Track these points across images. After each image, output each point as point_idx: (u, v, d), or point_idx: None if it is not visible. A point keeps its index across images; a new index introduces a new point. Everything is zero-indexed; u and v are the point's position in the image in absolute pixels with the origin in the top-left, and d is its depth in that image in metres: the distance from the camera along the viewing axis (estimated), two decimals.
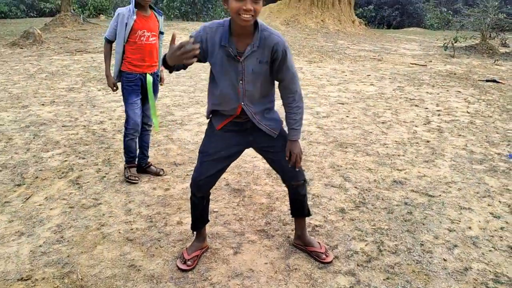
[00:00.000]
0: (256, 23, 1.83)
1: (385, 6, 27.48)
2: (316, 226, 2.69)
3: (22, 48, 10.26)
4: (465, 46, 12.50)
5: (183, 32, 12.65)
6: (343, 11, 16.92)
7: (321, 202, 3.01)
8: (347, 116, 5.21)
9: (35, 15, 26.92)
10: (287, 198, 2.41)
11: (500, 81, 7.98)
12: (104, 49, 3.17)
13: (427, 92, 6.77)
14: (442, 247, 2.49)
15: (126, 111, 3.16)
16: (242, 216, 2.78)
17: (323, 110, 5.48)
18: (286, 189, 2.35)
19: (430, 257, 2.39)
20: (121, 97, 3.19)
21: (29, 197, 2.98)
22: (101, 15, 22.96)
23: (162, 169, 3.42)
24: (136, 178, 3.24)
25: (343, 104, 5.83)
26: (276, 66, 1.91)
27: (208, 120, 2.18)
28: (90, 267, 2.21)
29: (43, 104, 5.40)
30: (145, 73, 3.11)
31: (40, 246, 2.40)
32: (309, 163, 3.70)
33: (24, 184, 3.18)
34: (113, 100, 5.57)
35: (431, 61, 10.33)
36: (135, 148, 3.29)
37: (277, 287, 2.09)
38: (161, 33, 3.23)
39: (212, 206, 2.78)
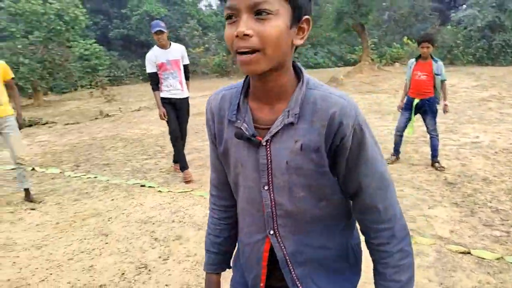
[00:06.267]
0: (298, 75, 0.95)
1: None
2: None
3: None
4: None
5: (467, 76, 13.35)
6: None
7: None
8: None
9: (341, 65, 32.34)
10: None
11: None
12: None
13: None
14: None
15: None
16: None
17: None
18: None
19: None
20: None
21: None
22: (396, 63, 25.57)
23: None
24: (387, 161, 5.05)
25: None
26: (342, 158, 0.93)
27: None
28: None
29: None
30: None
31: None
32: None
33: None
34: (382, 124, 7.42)
35: None
36: (399, 143, 5.12)
37: None
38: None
39: None
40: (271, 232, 1.01)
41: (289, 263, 1.01)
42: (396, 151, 5.20)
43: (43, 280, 2.86)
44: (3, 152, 6.15)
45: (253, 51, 0.82)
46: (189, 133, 6.16)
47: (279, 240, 1.01)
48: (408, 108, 4.99)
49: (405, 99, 5.05)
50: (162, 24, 4.66)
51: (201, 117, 9.28)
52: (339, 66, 31.75)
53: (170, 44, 4.79)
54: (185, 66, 4.93)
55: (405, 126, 5.05)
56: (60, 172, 5.65)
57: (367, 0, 16.24)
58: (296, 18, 0.85)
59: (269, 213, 0.99)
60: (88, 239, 3.48)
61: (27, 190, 4.47)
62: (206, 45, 27.53)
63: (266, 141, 0.93)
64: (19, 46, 14.13)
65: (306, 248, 1.01)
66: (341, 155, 0.92)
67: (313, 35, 30.69)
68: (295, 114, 0.90)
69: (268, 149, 0.94)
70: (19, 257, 3.22)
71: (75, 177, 5.38)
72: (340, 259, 1.05)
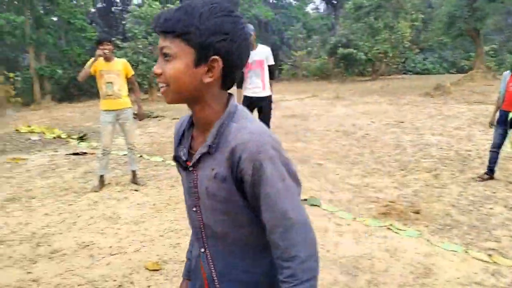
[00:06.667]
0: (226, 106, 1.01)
1: None
2: None
3: (432, 97, 12.91)
4: None
5: None
6: None
7: None
8: None
9: (453, 72, 30.03)
10: None
11: None
12: None
13: None
14: None
15: None
16: None
17: None
18: None
19: None
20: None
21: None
22: None
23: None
24: (478, 179, 4.78)
25: None
26: (247, 190, 0.98)
27: None
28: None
29: (433, 134, 7.48)
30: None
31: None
32: None
33: (403, 173, 5.28)
34: (486, 138, 6.87)
35: None
36: (493, 160, 4.73)
37: None
38: None
39: None
40: (202, 250, 1.10)
41: (216, 281, 1.08)
42: (490, 169, 4.78)
43: (137, 251, 3.34)
44: (118, 139, 7.07)
45: (164, 86, 0.97)
46: (280, 133, 6.42)
47: (209, 258, 1.09)
48: (502, 123, 4.62)
49: (498, 113, 4.69)
50: (251, 26, 5.01)
51: (294, 119, 9.53)
52: (450, 73, 29.53)
53: (257, 45, 5.13)
54: (270, 66, 5.22)
55: (501, 143, 4.67)
56: (162, 161, 6.32)
57: (483, 3, 14.86)
58: (203, 58, 0.92)
59: (199, 232, 1.09)
60: (178, 220, 3.92)
61: (134, 173, 5.14)
62: (309, 48, 27.72)
63: (192, 166, 1.03)
64: (140, 46, 15.85)
65: (233, 270, 1.06)
66: (245, 188, 0.97)
67: (422, 39, 29.02)
68: (209, 146, 0.97)
69: (195, 174, 1.03)
70: (120, 229, 3.78)
71: (174, 166, 5.97)
72: (271, 287, 1.04)
